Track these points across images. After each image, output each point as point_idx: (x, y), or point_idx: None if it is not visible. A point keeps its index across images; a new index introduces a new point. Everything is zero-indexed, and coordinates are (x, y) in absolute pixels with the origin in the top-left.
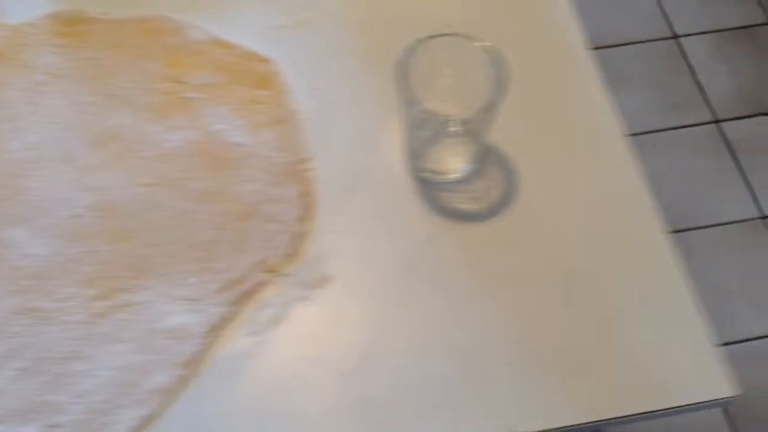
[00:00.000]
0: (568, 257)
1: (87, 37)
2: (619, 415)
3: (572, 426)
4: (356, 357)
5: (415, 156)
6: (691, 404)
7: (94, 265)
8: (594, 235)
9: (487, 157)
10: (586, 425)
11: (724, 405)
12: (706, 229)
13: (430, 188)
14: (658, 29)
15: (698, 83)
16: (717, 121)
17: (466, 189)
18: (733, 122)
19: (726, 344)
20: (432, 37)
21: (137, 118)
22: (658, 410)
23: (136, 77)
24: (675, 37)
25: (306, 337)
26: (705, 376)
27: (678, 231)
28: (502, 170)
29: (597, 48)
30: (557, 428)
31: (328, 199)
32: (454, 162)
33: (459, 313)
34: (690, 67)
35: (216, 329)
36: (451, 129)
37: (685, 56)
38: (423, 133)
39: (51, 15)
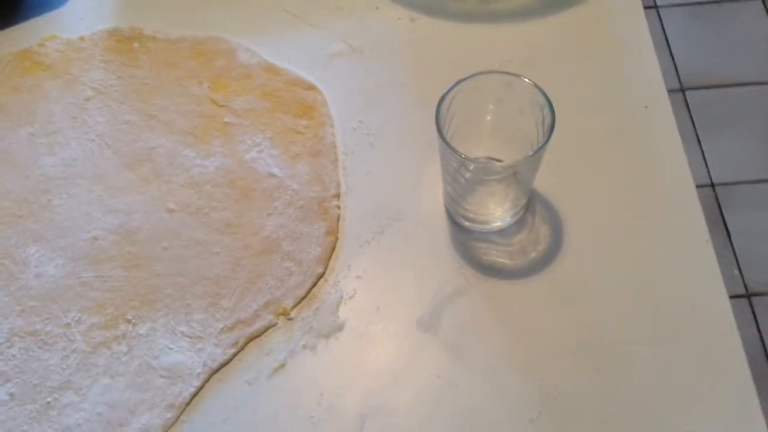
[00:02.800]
0: (611, 333)
1: (137, 55)
2: None
3: None
4: (356, 419)
5: (454, 200)
6: None
7: (103, 291)
8: (645, 307)
9: (532, 208)
10: None
11: None
12: None
13: (466, 236)
14: None
15: None
16: None
17: (506, 241)
18: None
19: None
20: (480, 73)
21: (172, 141)
22: None
23: (178, 99)
24: None
25: (306, 391)
26: None
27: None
28: (548, 224)
29: (706, 87)
30: None
31: (353, 240)
32: (495, 210)
33: (473, 379)
34: None
35: (213, 372)
36: (494, 174)
37: None
38: (463, 176)
39: (108, 31)
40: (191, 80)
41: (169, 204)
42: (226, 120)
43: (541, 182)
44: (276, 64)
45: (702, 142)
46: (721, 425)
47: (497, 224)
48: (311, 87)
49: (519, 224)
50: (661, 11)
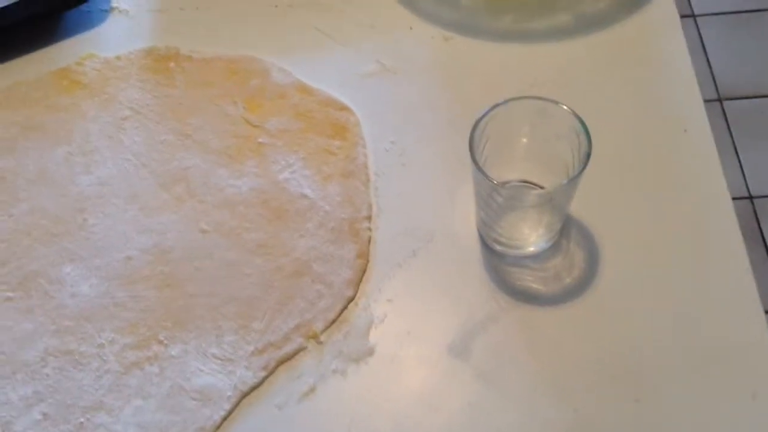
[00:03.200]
0: (649, 360)
1: (173, 75)
2: None
3: None
4: None
5: (486, 225)
6: None
7: (137, 311)
8: (684, 337)
9: (567, 233)
10: None
11: None
12: None
13: (499, 261)
14: None
15: None
16: None
17: (540, 266)
18: None
19: None
20: (514, 99)
21: (207, 161)
22: None
23: (213, 118)
24: None
25: (336, 416)
26: None
27: None
28: (583, 249)
29: (744, 98)
30: None
31: (384, 263)
32: (529, 235)
33: (505, 406)
34: None
35: (243, 395)
36: (527, 201)
37: None
38: (496, 201)
39: (144, 50)
40: (226, 100)
41: (202, 224)
42: (260, 140)
43: (577, 206)
44: (309, 84)
45: (740, 154)
46: None
47: (531, 249)
48: (344, 107)
49: (553, 249)
50: (699, 20)
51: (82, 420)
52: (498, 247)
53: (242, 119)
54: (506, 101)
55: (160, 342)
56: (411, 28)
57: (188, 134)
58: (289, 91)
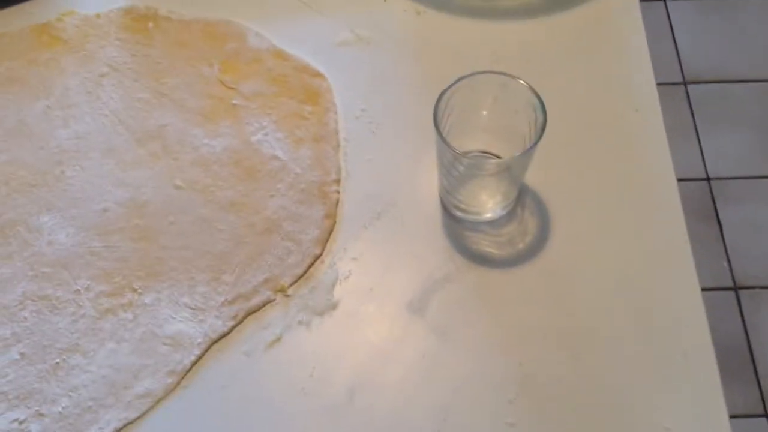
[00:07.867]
0: (590, 321)
1: (151, 35)
2: None
3: None
4: (345, 393)
5: (448, 191)
6: None
7: (112, 260)
8: (624, 301)
9: (522, 202)
10: None
11: None
12: None
13: (458, 226)
14: None
15: None
16: None
17: (496, 232)
18: None
19: None
20: (479, 73)
21: (182, 120)
22: None
23: (189, 79)
24: None
25: (300, 364)
26: None
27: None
28: (536, 217)
29: (708, 82)
30: None
31: (350, 223)
32: (486, 202)
33: (457, 360)
34: None
35: (213, 342)
36: (486, 169)
37: None
38: (457, 169)
39: (124, 9)
40: (202, 61)
41: (176, 180)
42: (234, 102)
43: (532, 177)
44: (285, 49)
45: (700, 136)
46: (689, 415)
47: (488, 215)
48: (317, 74)
49: (509, 216)
50: (669, 3)
51: (57, 360)
52: (457, 213)
53: (217, 81)
54: (470, 74)
55: (134, 290)
56: (385, 1)
57: (164, 93)
58: (265, 55)
